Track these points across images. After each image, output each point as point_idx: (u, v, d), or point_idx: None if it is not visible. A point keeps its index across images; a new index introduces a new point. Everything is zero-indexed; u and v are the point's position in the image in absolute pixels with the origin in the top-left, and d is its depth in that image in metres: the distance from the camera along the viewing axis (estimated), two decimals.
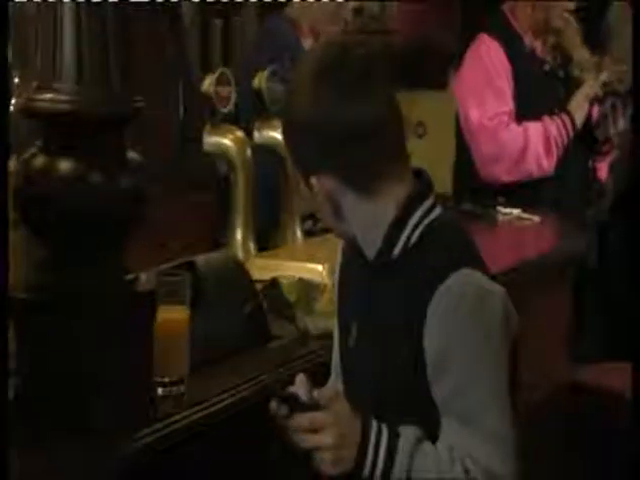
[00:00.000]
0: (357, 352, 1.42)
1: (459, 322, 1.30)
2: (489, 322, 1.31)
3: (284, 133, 1.41)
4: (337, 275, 1.52)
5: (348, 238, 1.41)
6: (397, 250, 1.35)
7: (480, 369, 1.30)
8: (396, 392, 1.36)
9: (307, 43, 2.55)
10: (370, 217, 1.36)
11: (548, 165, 2.74)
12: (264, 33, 2.62)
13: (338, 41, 1.52)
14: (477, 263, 1.35)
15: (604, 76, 2.75)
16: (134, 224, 1.43)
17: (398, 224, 1.35)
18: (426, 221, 1.36)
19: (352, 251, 1.42)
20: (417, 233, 1.35)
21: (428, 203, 1.37)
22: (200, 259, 1.73)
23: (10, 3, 1.38)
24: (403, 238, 1.35)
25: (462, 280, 1.31)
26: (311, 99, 1.34)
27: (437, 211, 1.37)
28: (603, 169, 2.92)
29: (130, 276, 1.42)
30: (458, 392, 1.30)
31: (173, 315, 1.45)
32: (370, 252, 1.38)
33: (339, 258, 1.52)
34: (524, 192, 2.74)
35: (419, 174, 1.39)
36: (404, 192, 1.36)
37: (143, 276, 1.43)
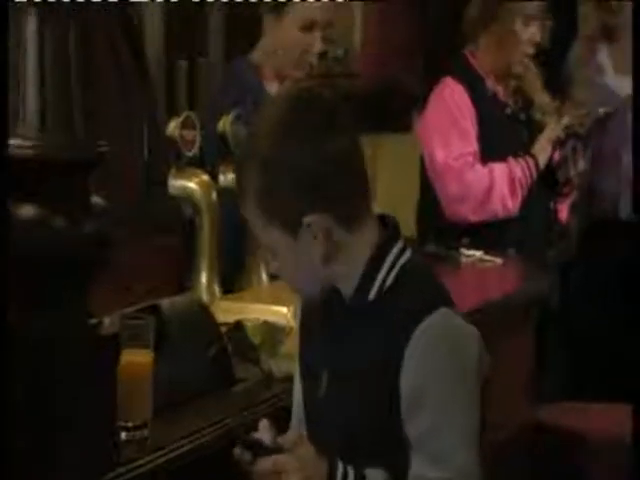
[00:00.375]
0: (327, 401, 1.43)
1: (437, 362, 1.33)
2: (465, 362, 1.35)
3: (261, 185, 1.37)
4: (299, 323, 1.53)
5: (327, 283, 1.41)
6: (373, 292, 1.38)
7: (455, 408, 1.34)
8: (367, 434, 1.38)
9: (271, 87, 2.57)
10: (352, 256, 1.38)
11: (513, 206, 2.78)
12: (228, 77, 2.64)
13: (304, 86, 1.54)
14: (451, 304, 1.39)
15: (565, 120, 2.80)
16: (98, 268, 1.44)
17: (374, 265, 1.39)
18: (399, 263, 1.39)
19: (320, 297, 1.43)
20: (392, 275, 1.39)
21: (399, 245, 1.40)
22: (165, 302, 1.73)
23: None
24: (379, 280, 1.38)
25: (440, 321, 1.35)
26: (281, 142, 1.36)
27: (408, 253, 1.41)
28: (564, 210, 2.96)
29: (94, 320, 1.42)
30: (433, 430, 1.33)
31: (137, 359, 1.45)
32: (347, 293, 1.40)
33: (300, 306, 1.53)
34: (488, 233, 2.77)
35: (385, 218, 1.42)
36: (376, 234, 1.40)
37: (107, 320, 1.44)
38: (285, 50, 2.52)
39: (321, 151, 1.35)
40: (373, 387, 1.36)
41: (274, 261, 1.42)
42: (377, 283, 1.38)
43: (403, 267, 1.39)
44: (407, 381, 1.33)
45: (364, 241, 1.38)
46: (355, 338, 1.39)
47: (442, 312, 1.36)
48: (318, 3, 2.49)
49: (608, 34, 3.33)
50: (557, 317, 2.85)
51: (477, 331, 1.39)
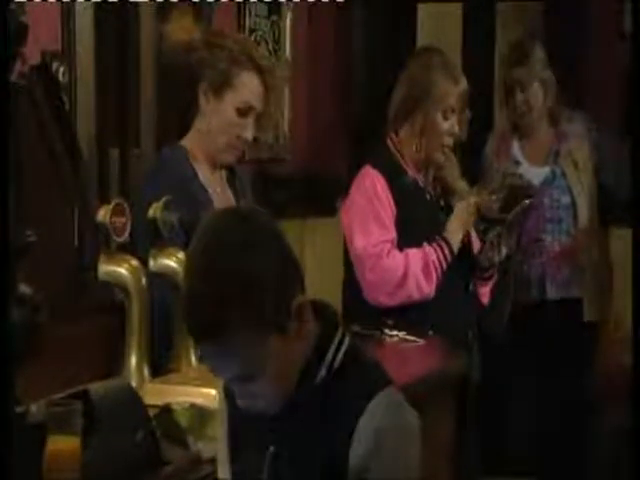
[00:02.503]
0: None
1: (386, 436, 1.42)
2: (410, 437, 1.46)
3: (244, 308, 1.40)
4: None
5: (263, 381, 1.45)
6: (319, 377, 1.47)
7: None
8: None
9: (203, 172, 2.61)
10: (288, 356, 1.45)
11: (428, 289, 2.84)
12: (159, 163, 2.67)
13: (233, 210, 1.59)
14: (393, 383, 1.49)
15: (470, 200, 2.88)
16: (26, 357, 1.46)
17: (319, 351, 1.47)
18: (341, 351, 1.48)
19: (248, 397, 1.48)
20: (336, 363, 1.47)
21: (339, 333, 1.49)
22: (93, 387, 1.76)
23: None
24: (325, 365, 1.47)
25: (389, 399, 1.45)
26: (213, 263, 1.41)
27: (347, 340, 1.50)
28: (484, 293, 3.03)
29: (20, 408, 1.44)
30: None
31: (64, 446, 1.47)
32: (284, 390, 1.46)
33: (224, 409, 1.58)
34: (409, 314, 2.83)
35: (322, 306, 1.50)
36: (316, 328, 1.48)
37: (34, 407, 1.45)
38: (220, 132, 2.55)
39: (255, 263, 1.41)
40: (321, 464, 1.43)
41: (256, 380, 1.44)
42: (323, 369, 1.46)
43: (346, 352, 1.48)
44: (357, 449, 1.41)
45: (302, 339, 1.46)
46: (303, 419, 1.47)
47: (390, 390, 1.46)
48: (257, 87, 2.54)
49: (519, 131, 3.50)
50: (477, 396, 2.91)
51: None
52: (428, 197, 2.96)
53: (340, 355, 1.48)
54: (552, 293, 3.43)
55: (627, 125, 3.94)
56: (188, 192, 2.51)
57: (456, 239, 2.88)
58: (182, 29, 2.57)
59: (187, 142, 2.61)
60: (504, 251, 2.90)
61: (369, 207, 2.85)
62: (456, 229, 2.88)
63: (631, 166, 2.12)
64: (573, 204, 3.43)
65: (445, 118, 2.89)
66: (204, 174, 2.60)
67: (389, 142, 2.97)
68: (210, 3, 3.34)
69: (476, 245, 2.97)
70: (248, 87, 2.54)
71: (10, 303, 1.42)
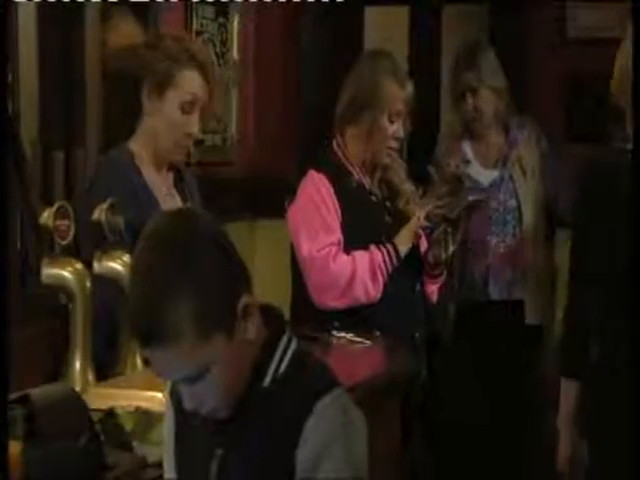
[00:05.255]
0: None
1: (333, 437, 1.44)
2: (358, 438, 1.48)
3: (189, 311, 1.39)
4: (171, 432, 1.57)
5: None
6: (267, 380, 1.47)
7: (348, 477, 1.44)
8: None
9: (148, 174, 2.60)
10: (235, 357, 1.44)
11: (374, 291, 2.85)
12: (104, 165, 2.65)
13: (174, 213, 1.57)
14: (341, 384, 1.50)
15: (426, 210, 2.90)
16: None
17: (265, 355, 1.48)
18: (289, 353, 1.49)
19: (196, 399, 1.47)
20: (284, 364, 1.48)
21: (286, 337, 1.50)
22: (35, 391, 1.74)
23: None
24: (272, 369, 1.48)
25: (337, 400, 1.46)
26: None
27: (294, 343, 1.51)
28: (433, 291, 3.05)
29: None
30: None
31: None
32: (231, 392, 1.46)
33: (170, 412, 1.58)
34: (356, 316, 2.84)
35: (269, 309, 1.51)
36: (263, 331, 1.48)
37: None
38: (165, 132, 2.54)
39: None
40: (269, 466, 1.45)
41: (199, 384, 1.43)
42: (271, 372, 1.47)
43: (293, 355, 1.49)
44: (305, 451, 1.43)
45: (248, 343, 1.46)
46: (250, 422, 1.47)
47: (338, 392, 1.48)
48: (198, 82, 2.54)
49: (470, 132, 3.53)
50: (425, 398, 2.93)
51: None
52: (374, 199, 2.98)
53: (287, 358, 1.49)
54: (495, 294, 3.46)
55: (570, 131, 4.02)
56: (134, 194, 2.50)
57: (405, 246, 2.90)
58: (125, 32, 2.55)
59: (133, 144, 2.60)
60: (451, 248, 2.92)
61: (314, 211, 2.86)
62: (407, 238, 2.90)
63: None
64: (519, 208, 3.47)
65: (391, 121, 2.91)
66: (150, 176, 2.59)
67: (334, 144, 2.98)
68: (156, 6, 3.33)
69: (423, 245, 2.99)
70: (189, 84, 2.54)
71: None
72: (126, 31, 2.57)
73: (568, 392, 2.31)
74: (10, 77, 2.59)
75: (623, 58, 2.24)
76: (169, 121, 2.54)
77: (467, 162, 3.47)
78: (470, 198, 2.99)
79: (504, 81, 3.47)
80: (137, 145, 2.59)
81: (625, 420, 2.12)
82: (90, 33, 2.99)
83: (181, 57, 2.53)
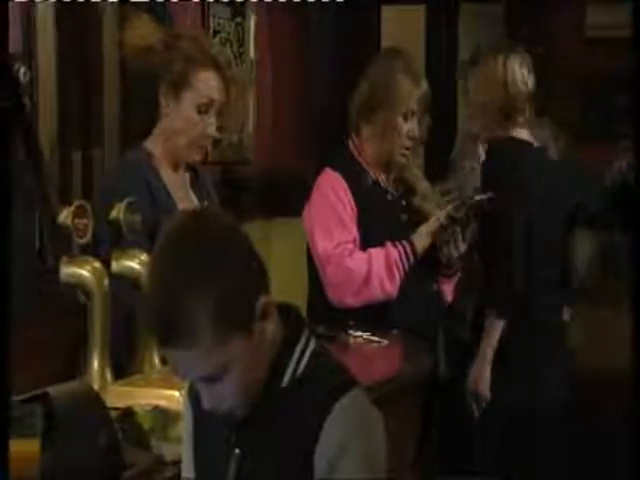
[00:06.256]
0: None
1: (352, 438, 1.44)
2: (376, 438, 1.48)
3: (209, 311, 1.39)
4: (189, 430, 1.58)
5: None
6: (286, 380, 1.47)
7: (366, 477, 1.44)
8: None
9: (166, 174, 2.60)
10: (254, 357, 1.45)
11: (391, 289, 2.85)
12: (122, 165, 2.66)
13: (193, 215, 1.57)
14: (359, 385, 1.50)
15: (446, 211, 2.90)
16: None
17: (284, 355, 1.48)
18: (307, 353, 1.49)
19: (214, 398, 1.47)
20: (303, 364, 1.48)
21: (304, 337, 1.50)
22: (54, 390, 1.74)
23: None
24: (291, 368, 1.48)
25: (355, 400, 1.46)
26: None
27: (313, 342, 1.51)
28: (449, 290, 3.05)
29: None
30: None
31: (24, 449, 1.46)
32: (250, 391, 1.46)
33: (188, 410, 1.59)
34: (373, 315, 2.84)
35: (287, 309, 1.51)
36: (281, 330, 1.48)
37: None
38: (183, 132, 2.55)
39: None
40: (288, 464, 1.45)
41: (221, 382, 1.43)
42: (289, 371, 1.48)
43: (311, 355, 1.49)
44: (324, 451, 1.43)
45: (268, 342, 1.46)
46: (269, 421, 1.48)
47: (356, 392, 1.48)
48: (215, 83, 2.55)
49: None
50: (443, 397, 2.93)
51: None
52: (390, 197, 2.98)
53: (306, 358, 1.49)
54: None
55: (591, 131, 4.01)
56: (151, 195, 2.51)
57: (422, 245, 2.89)
58: (142, 32, 2.56)
59: (150, 144, 2.61)
60: (461, 248, 2.92)
61: (330, 209, 2.86)
62: (424, 235, 2.90)
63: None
64: None
65: (406, 120, 2.91)
66: (167, 176, 2.60)
67: (350, 143, 2.98)
68: (173, 6, 3.34)
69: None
70: (206, 84, 2.55)
71: None
72: (143, 31, 2.57)
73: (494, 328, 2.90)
74: (28, 77, 2.60)
75: None
76: (186, 121, 2.55)
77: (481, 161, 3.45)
78: (477, 197, 2.98)
79: None
80: (154, 145, 2.60)
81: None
82: (108, 33, 3.00)
83: (198, 57, 2.53)
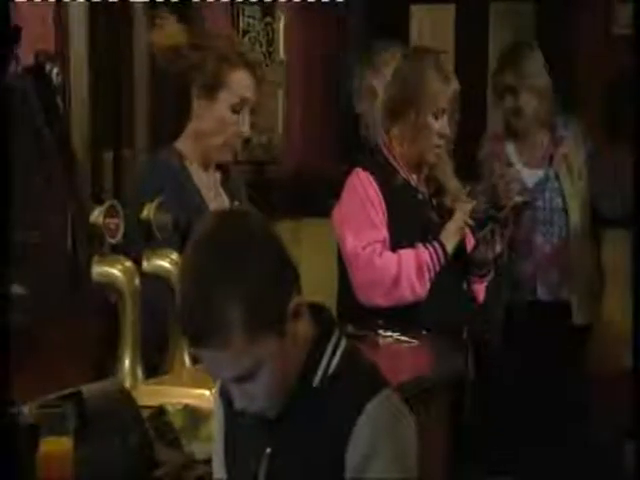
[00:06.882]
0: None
1: (383, 438, 1.44)
2: (407, 439, 1.48)
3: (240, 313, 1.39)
4: (221, 429, 1.58)
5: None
6: (317, 380, 1.47)
7: (397, 478, 1.44)
8: None
9: (197, 173, 2.61)
10: (285, 357, 1.45)
11: (421, 290, 2.84)
12: (153, 165, 2.67)
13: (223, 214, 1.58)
14: (390, 385, 1.51)
15: (468, 206, 2.90)
16: (18, 356, 1.46)
17: (315, 354, 1.48)
18: (338, 352, 1.49)
19: (246, 398, 1.47)
20: (334, 363, 1.48)
21: (335, 336, 1.50)
22: (86, 388, 1.76)
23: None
24: (322, 368, 1.48)
25: (386, 401, 1.46)
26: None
27: (343, 342, 1.51)
28: (480, 290, 3.04)
29: (13, 409, 1.44)
30: None
31: (56, 447, 1.47)
32: (281, 391, 1.47)
33: (219, 409, 1.59)
34: (403, 315, 2.83)
35: (318, 309, 1.51)
36: (312, 330, 1.48)
37: (26, 408, 1.45)
38: (216, 133, 2.56)
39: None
40: (319, 463, 1.45)
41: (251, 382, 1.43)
42: (320, 371, 1.48)
43: (342, 355, 1.49)
44: (355, 452, 1.43)
45: (299, 342, 1.47)
46: (300, 421, 1.48)
47: (387, 392, 1.48)
48: (248, 82, 2.56)
49: (514, 133, 3.51)
50: (474, 397, 2.92)
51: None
52: (420, 197, 2.96)
53: (337, 358, 1.49)
54: (543, 294, 3.44)
55: (619, 130, 3.98)
56: (182, 194, 2.52)
57: (452, 242, 2.88)
58: (171, 33, 2.57)
59: (181, 144, 2.62)
60: (498, 248, 2.91)
61: (360, 209, 2.85)
62: (453, 233, 2.89)
63: (633, 169, 2.13)
64: (565, 207, 3.44)
65: (436, 119, 2.90)
66: (198, 176, 2.61)
67: (380, 142, 2.97)
68: (203, 6, 3.35)
69: (470, 243, 2.98)
70: (239, 84, 2.56)
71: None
72: (171, 33, 2.58)
73: None
74: (60, 76, 2.62)
75: None
76: (220, 121, 2.56)
77: (510, 164, 3.45)
78: (517, 199, 2.97)
79: (546, 81, 3.44)
80: (185, 145, 2.61)
81: None
82: (138, 34, 3.02)
83: (230, 57, 2.54)
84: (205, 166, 2.63)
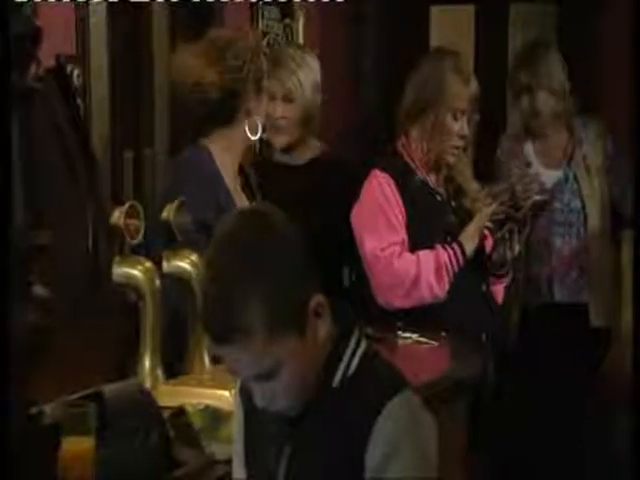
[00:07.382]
0: (289, 478, 1.51)
1: (404, 438, 1.44)
2: (427, 439, 1.48)
3: (262, 312, 1.39)
4: (241, 429, 1.59)
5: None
6: (337, 380, 1.48)
7: (417, 478, 1.45)
8: None
9: (226, 173, 2.60)
10: (306, 356, 1.45)
11: (440, 292, 2.84)
12: (182, 163, 2.64)
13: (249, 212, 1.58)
14: (410, 385, 1.51)
15: (490, 209, 2.89)
16: (39, 357, 1.47)
17: (335, 355, 1.49)
18: (358, 353, 1.50)
19: (267, 396, 1.48)
20: (354, 364, 1.49)
21: (355, 337, 1.51)
22: (107, 388, 1.77)
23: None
24: (342, 369, 1.48)
25: (407, 400, 1.47)
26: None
27: (364, 343, 1.52)
28: (499, 291, 3.03)
29: (34, 409, 1.45)
30: None
31: (78, 447, 1.49)
32: (302, 390, 1.47)
33: (240, 409, 1.60)
34: (422, 316, 2.83)
35: (339, 308, 1.51)
36: (332, 329, 1.49)
37: (48, 408, 1.46)
38: (233, 133, 2.56)
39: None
40: (339, 463, 1.46)
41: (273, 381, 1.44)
42: (340, 372, 1.48)
43: (363, 354, 1.50)
44: (375, 451, 1.43)
45: (320, 340, 1.47)
46: (320, 420, 1.48)
47: (407, 393, 1.48)
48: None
49: (532, 133, 3.50)
50: (492, 399, 2.91)
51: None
52: (439, 198, 2.96)
53: (357, 358, 1.50)
54: (560, 296, 3.43)
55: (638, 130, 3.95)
56: (213, 193, 2.52)
57: (471, 244, 2.88)
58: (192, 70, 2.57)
59: (210, 143, 2.59)
60: (517, 248, 2.91)
61: (378, 210, 2.85)
62: (472, 235, 2.89)
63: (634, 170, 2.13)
64: (583, 208, 3.43)
65: (455, 119, 2.89)
66: (227, 176, 2.60)
67: (399, 144, 2.97)
68: (221, 7, 3.36)
69: (489, 245, 2.97)
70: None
71: (18, 304, 1.43)
72: (189, 65, 2.56)
73: None
74: (81, 78, 2.64)
75: None
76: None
77: (528, 164, 3.44)
78: (537, 197, 2.96)
79: (564, 81, 3.42)
80: (214, 144, 2.58)
81: None
82: (159, 33, 3.03)
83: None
84: (232, 166, 2.62)
